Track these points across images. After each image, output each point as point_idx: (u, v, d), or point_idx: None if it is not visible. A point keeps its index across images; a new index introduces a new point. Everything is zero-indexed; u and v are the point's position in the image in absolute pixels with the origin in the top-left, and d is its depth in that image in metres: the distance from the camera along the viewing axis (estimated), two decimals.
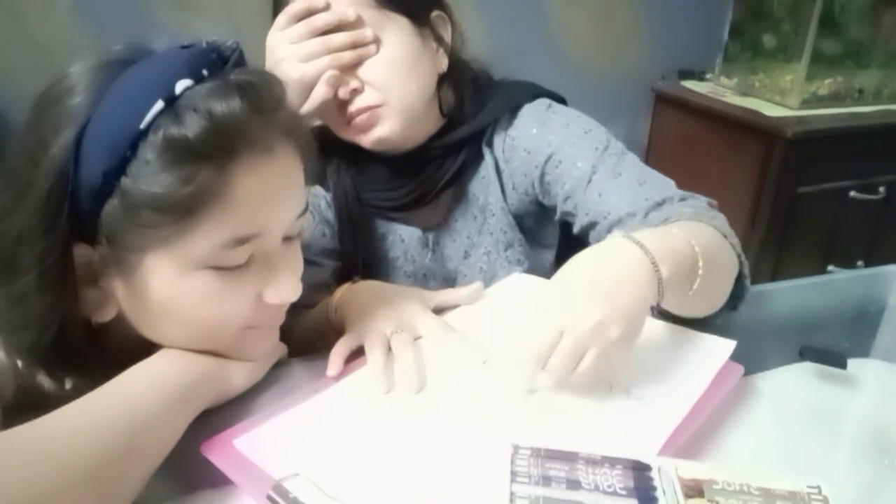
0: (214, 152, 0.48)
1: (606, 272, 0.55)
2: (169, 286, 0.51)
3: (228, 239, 0.50)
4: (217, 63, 0.51)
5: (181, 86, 0.48)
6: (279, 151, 0.53)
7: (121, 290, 0.53)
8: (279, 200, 0.54)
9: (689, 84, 2.06)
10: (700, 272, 0.58)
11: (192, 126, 0.47)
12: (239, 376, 0.58)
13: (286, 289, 0.56)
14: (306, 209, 0.58)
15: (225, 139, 0.48)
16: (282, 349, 0.65)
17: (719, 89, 2.00)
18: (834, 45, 1.82)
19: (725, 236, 0.67)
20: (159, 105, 0.47)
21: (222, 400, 0.57)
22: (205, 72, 0.50)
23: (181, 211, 0.48)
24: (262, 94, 0.52)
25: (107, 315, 0.54)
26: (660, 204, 0.73)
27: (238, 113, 0.49)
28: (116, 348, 0.56)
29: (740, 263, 0.67)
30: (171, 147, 0.47)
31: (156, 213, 0.48)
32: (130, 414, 0.48)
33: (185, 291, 0.52)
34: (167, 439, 0.50)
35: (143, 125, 0.47)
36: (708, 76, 2.09)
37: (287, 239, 0.57)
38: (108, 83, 0.49)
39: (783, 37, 1.87)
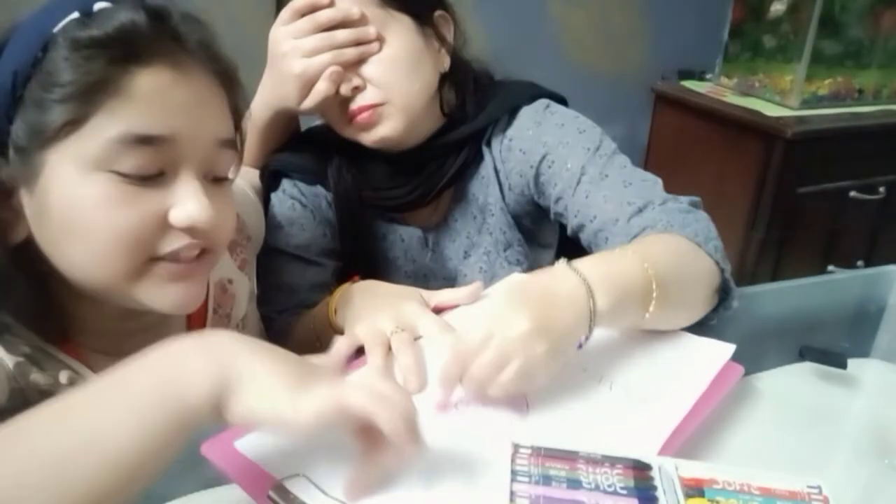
0: (114, 49, 0.50)
1: (544, 294, 0.56)
2: (70, 188, 0.51)
3: (125, 135, 0.51)
4: None
5: (98, 6, 0.52)
6: (190, 69, 0.54)
7: (27, 201, 0.53)
8: (186, 111, 0.54)
9: (689, 84, 2.06)
10: (654, 294, 0.58)
11: (98, 26, 0.51)
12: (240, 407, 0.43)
13: (192, 208, 0.54)
14: (234, 146, 0.59)
15: (128, 39, 0.51)
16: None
17: (719, 89, 2.00)
18: (834, 45, 1.82)
19: (700, 244, 0.66)
20: (74, 15, 0.51)
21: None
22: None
23: (78, 98, 0.50)
24: (175, 17, 0.54)
25: (18, 235, 0.54)
26: (641, 209, 0.73)
27: (144, 24, 0.52)
28: (79, 312, 0.58)
29: (721, 269, 0.67)
30: (76, 44, 0.50)
31: (55, 104, 0.50)
32: (108, 457, 0.39)
33: (86, 192, 0.51)
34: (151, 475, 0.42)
35: (55, 30, 0.50)
36: (708, 76, 2.09)
37: (215, 180, 0.58)
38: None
39: (783, 37, 1.87)
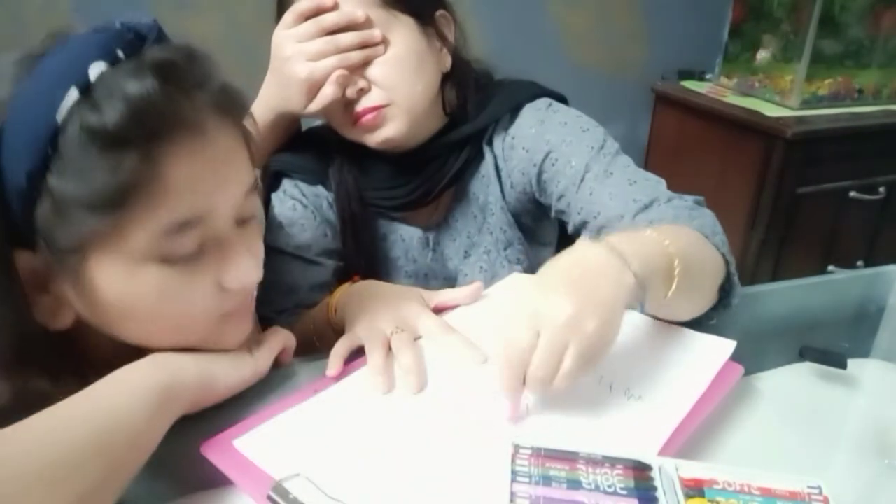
0: (136, 138, 0.46)
1: (577, 272, 0.54)
2: (120, 285, 0.50)
3: (168, 225, 0.48)
4: (134, 44, 0.49)
5: (95, 70, 0.46)
6: (210, 128, 0.50)
7: (72, 294, 0.51)
8: (218, 179, 0.51)
9: (689, 84, 2.07)
10: (677, 272, 0.57)
11: (109, 113, 0.45)
12: (224, 382, 0.55)
13: (243, 270, 0.53)
14: (256, 186, 0.57)
15: (146, 122, 0.46)
16: (287, 337, 0.62)
17: (719, 89, 2.00)
18: (834, 45, 1.82)
19: (708, 236, 0.66)
20: (74, 94, 0.45)
21: (205, 405, 0.54)
22: (120, 53, 0.48)
23: (112, 204, 0.46)
24: (183, 71, 0.49)
25: (64, 321, 0.52)
26: (647, 206, 0.73)
27: (156, 93, 0.46)
28: (100, 352, 0.55)
29: (726, 262, 0.67)
30: (92, 139, 0.45)
31: (87, 211, 0.46)
32: (103, 423, 0.45)
33: (139, 288, 0.50)
34: (143, 448, 0.47)
35: (59, 119, 0.45)
36: (708, 76, 2.09)
37: (242, 222, 0.55)
38: (25, 77, 0.47)
39: (783, 37, 1.87)
